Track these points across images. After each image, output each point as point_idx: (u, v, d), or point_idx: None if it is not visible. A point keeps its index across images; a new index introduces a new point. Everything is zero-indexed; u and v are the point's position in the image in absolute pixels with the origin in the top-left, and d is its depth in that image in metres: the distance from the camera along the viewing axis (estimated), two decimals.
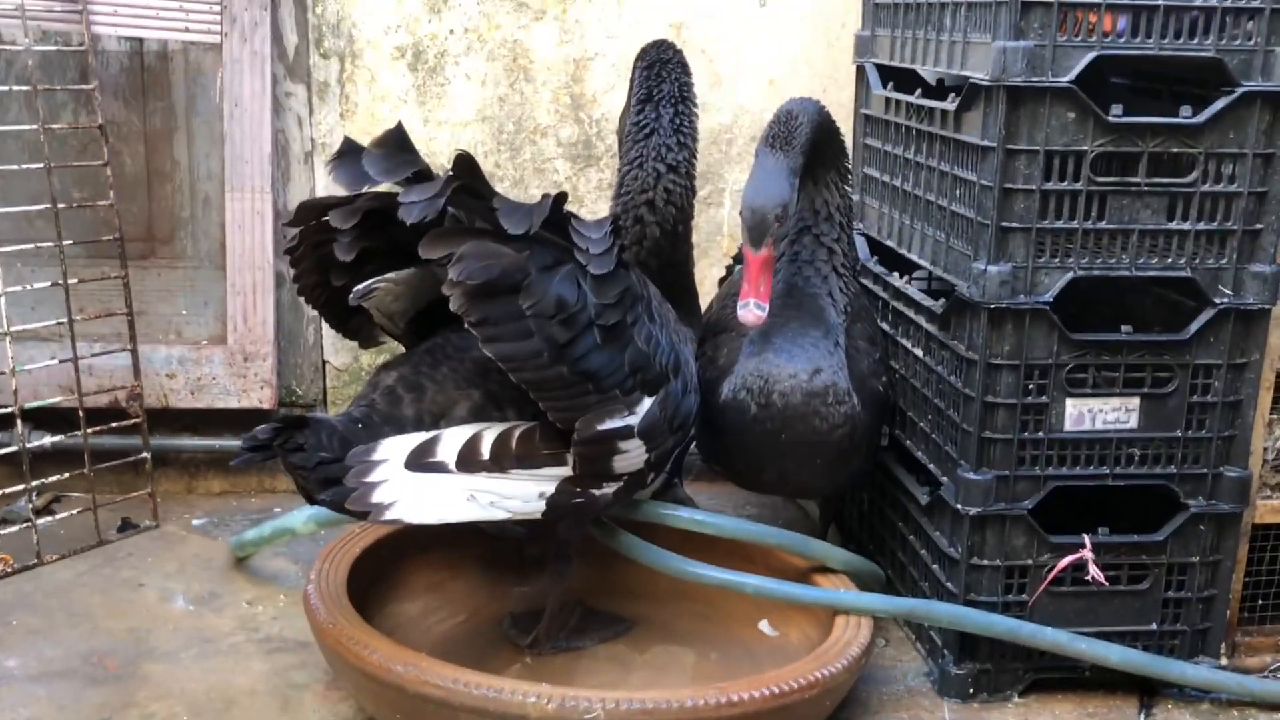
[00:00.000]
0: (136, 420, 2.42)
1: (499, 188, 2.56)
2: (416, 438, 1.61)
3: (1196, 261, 1.82)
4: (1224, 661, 1.98)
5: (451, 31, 2.55)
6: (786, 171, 1.86)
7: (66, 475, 2.32)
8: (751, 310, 1.84)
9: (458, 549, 2.10)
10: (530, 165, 2.62)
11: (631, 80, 2.16)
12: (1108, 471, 1.88)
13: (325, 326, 2.62)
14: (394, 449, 1.59)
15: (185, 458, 2.61)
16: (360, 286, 1.69)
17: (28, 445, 2.25)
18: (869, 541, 2.32)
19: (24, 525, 2.27)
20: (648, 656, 2.00)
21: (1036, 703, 1.92)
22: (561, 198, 1.59)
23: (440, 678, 1.55)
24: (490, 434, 1.63)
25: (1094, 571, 1.87)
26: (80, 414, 2.32)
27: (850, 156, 2.16)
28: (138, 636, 2.03)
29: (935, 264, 2.00)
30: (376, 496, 1.55)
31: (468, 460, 1.60)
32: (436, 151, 2.58)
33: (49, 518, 2.35)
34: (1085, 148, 1.75)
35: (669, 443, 1.79)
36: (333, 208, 1.64)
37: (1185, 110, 1.76)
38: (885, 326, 2.22)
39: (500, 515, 1.63)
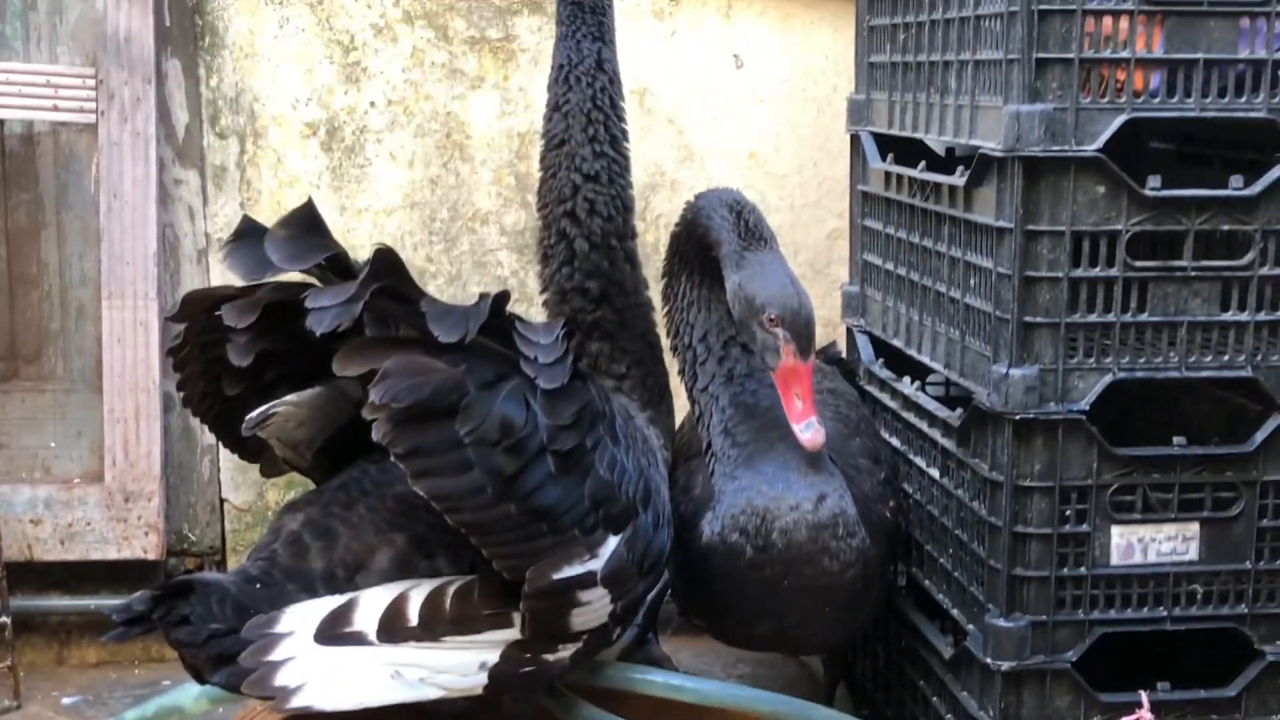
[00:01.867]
0: None
1: (432, 285, 2.61)
2: (328, 603, 1.60)
3: (1259, 358, 1.84)
4: None
5: (373, 104, 2.60)
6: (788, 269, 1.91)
7: None
8: (814, 432, 1.87)
9: None
10: (469, 258, 2.66)
11: None
12: (1165, 614, 1.89)
13: (224, 458, 2.63)
14: (301, 618, 1.57)
15: (54, 621, 2.62)
16: (254, 414, 1.68)
17: None
18: (886, 704, 2.32)
19: None
20: None
21: None
22: (503, 297, 1.59)
23: None
24: (419, 594, 1.62)
25: None
26: None
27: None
28: None
29: (950, 367, 2.02)
30: (281, 678, 1.53)
31: (391, 628, 1.59)
32: (356, 245, 2.61)
33: None
34: (1119, 226, 1.78)
35: (638, 589, 1.78)
36: (226, 300, 1.63)
37: (1236, 181, 1.79)
38: (895, 441, 2.23)
39: (433, 694, 1.61)
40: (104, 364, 2.50)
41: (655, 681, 1.90)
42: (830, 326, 2.71)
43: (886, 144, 2.31)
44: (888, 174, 2.26)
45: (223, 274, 2.59)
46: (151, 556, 2.54)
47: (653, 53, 2.64)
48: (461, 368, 1.52)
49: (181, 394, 1.82)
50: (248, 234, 1.64)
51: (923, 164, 2.13)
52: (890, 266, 2.28)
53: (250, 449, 1.89)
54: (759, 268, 1.93)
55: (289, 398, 1.70)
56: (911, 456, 2.18)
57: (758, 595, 1.95)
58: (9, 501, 2.46)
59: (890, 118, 2.28)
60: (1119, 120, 1.76)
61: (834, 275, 2.73)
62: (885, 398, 2.29)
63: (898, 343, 2.24)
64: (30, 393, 2.62)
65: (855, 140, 2.42)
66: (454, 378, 1.50)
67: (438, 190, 2.63)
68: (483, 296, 1.59)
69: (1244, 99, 1.79)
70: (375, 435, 1.48)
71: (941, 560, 2.07)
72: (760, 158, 2.69)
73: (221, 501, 2.67)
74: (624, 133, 2.13)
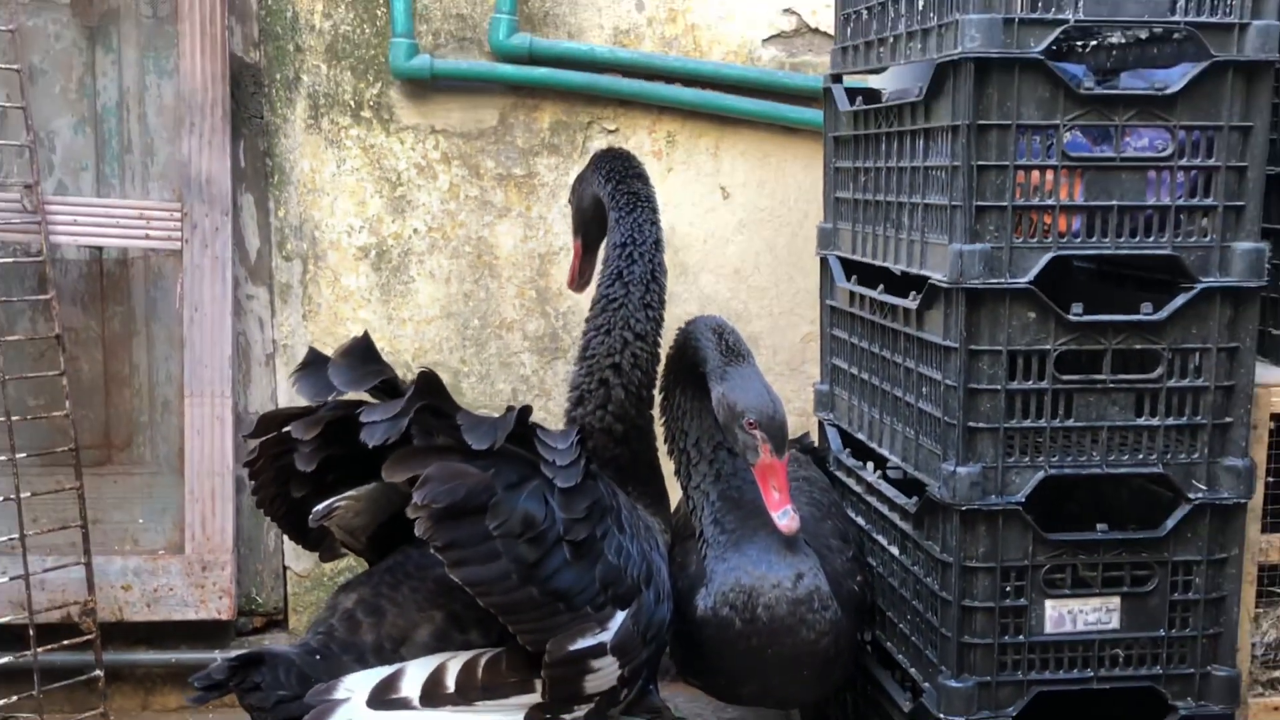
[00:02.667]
0: (90, 636, 2.39)
1: (465, 383, 2.63)
2: (379, 673, 1.60)
3: (1169, 457, 1.83)
4: None
5: (415, 231, 2.62)
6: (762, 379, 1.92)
7: (14, 698, 2.29)
8: (790, 519, 1.88)
9: None
10: (496, 359, 2.66)
11: (599, 196, 2.21)
12: (1091, 674, 1.87)
13: None
14: (356, 685, 1.58)
15: (140, 672, 2.60)
16: (320, 507, 1.70)
17: None
18: None
19: None
20: None
21: None
22: (526, 411, 1.61)
23: None
24: (455, 664, 1.62)
25: None
26: (30, 632, 2.30)
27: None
28: None
29: (906, 460, 2.02)
30: None
31: (432, 695, 1.59)
32: (401, 349, 2.62)
33: None
34: (1048, 346, 1.78)
35: (642, 655, 1.78)
36: (294, 419, 1.65)
37: (1146, 307, 1.80)
38: (861, 521, 2.23)
39: None
40: (185, 452, 2.51)
41: None
42: (805, 417, 2.71)
43: (851, 266, 2.31)
44: (851, 293, 2.27)
45: (286, 377, 2.63)
46: (225, 617, 2.54)
47: (654, 186, 2.65)
48: (490, 471, 1.53)
49: (255, 497, 1.81)
50: (313, 363, 1.66)
51: (881, 286, 2.12)
52: (854, 370, 2.27)
53: (312, 540, 1.90)
54: (739, 380, 1.94)
55: (350, 493, 1.71)
56: (875, 535, 2.16)
57: (745, 661, 1.94)
58: (104, 570, 2.45)
59: (854, 245, 2.28)
60: (1046, 257, 1.76)
61: (808, 373, 2.73)
62: (851, 483, 2.29)
63: (861, 437, 2.24)
64: (122, 476, 2.62)
65: (824, 262, 2.42)
66: (484, 481, 1.52)
67: (470, 303, 2.65)
68: (509, 409, 1.61)
69: (1151, 238, 1.79)
70: (417, 531, 1.50)
71: (901, 626, 2.05)
72: (743, 273, 2.70)
73: (284, 569, 2.66)
74: (664, 301, 2.17)
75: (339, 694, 1.57)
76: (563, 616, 1.61)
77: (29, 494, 2.31)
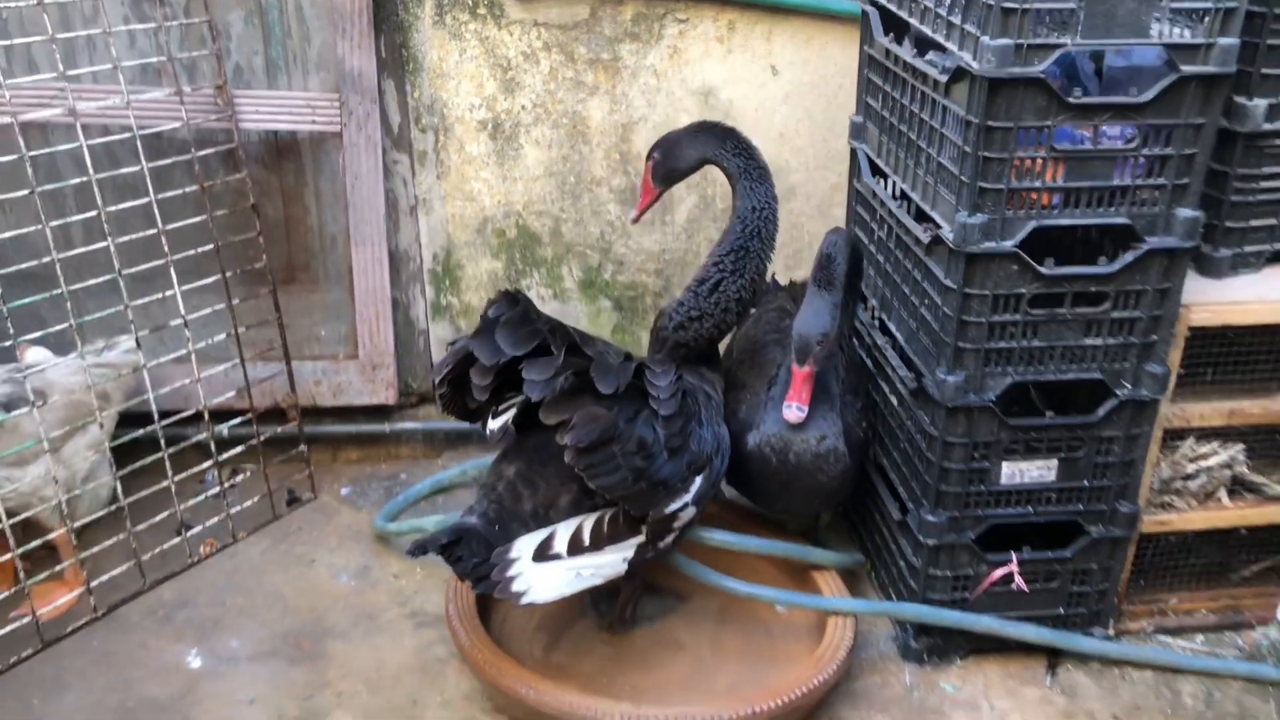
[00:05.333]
0: (294, 422, 2.72)
1: (564, 227, 2.80)
2: (538, 536, 1.87)
3: (1106, 365, 2.04)
4: (1111, 631, 2.29)
5: (523, 107, 2.70)
6: (829, 307, 2.10)
7: (245, 460, 2.63)
8: (794, 412, 2.11)
9: None
10: (589, 209, 2.81)
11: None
12: (1032, 510, 2.14)
13: (433, 338, 2.89)
14: (523, 548, 1.86)
15: (328, 437, 2.88)
16: (499, 426, 1.96)
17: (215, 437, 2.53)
18: (852, 537, 2.58)
19: (216, 511, 2.59)
20: (694, 636, 2.28)
21: (974, 665, 2.25)
22: (642, 366, 1.83)
23: (554, 699, 1.91)
24: (588, 524, 1.89)
25: (1018, 581, 2.18)
26: (253, 417, 2.60)
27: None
28: (319, 615, 2.38)
29: (910, 345, 2.22)
30: (515, 586, 1.83)
31: (575, 548, 1.88)
32: (514, 202, 2.77)
33: (234, 501, 2.65)
34: (1024, 291, 1.95)
35: (709, 495, 2.08)
36: (470, 364, 1.85)
37: (1103, 261, 1.96)
38: (882, 387, 2.37)
39: (597, 581, 1.91)
40: (355, 287, 2.71)
41: (716, 539, 2.19)
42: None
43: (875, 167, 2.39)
44: (873, 191, 2.40)
45: (427, 221, 2.80)
46: (390, 402, 2.82)
47: (716, 66, 2.70)
48: (615, 410, 1.76)
49: (441, 404, 2.00)
50: (485, 330, 1.82)
51: (898, 203, 2.27)
52: (876, 254, 2.42)
53: (472, 418, 2.05)
54: (809, 301, 2.14)
55: (514, 403, 1.95)
56: (887, 392, 2.35)
57: (776, 488, 2.21)
58: (299, 371, 2.72)
59: (877, 149, 2.36)
60: (1030, 226, 1.90)
61: (833, 215, 2.85)
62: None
63: (881, 316, 2.41)
64: (304, 291, 2.82)
65: (854, 153, 2.51)
66: (611, 419, 1.74)
67: (567, 164, 2.76)
68: (628, 360, 1.83)
69: (1113, 209, 1.93)
70: (566, 458, 1.74)
71: (896, 456, 2.30)
72: (786, 136, 2.78)
73: (432, 363, 2.93)
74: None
75: (513, 554, 1.85)
76: (658, 495, 1.87)
77: (238, 301, 2.51)
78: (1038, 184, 1.89)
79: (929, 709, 2.15)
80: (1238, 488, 2.28)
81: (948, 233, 1.96)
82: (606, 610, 2.31)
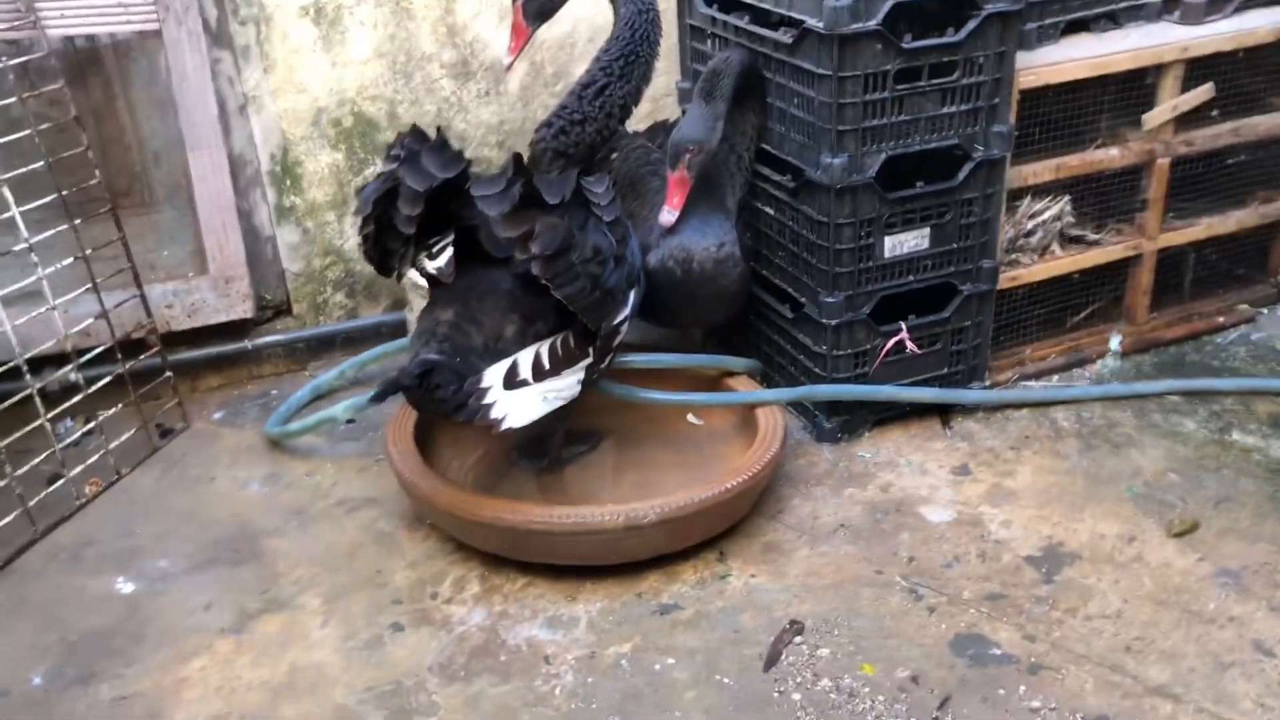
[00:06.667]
0: (156, 349, 2.56)
1: (399, 109, 2.76)
2: (503, 365, 1.87)
3: (961, 131, 2.25)
4: (987, 383, 2.56)
5: None
6: (708, 117, 2.18)
7: (112, 395, 2.44)
8: (665, 215, 2.22)
9: None
10: (422, 87, 2.77)
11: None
12: (913, 279, 2.34)
13: (281, 243, 2.78)
14: (493, 376, 1.86)
15: (188, 364, 2.72)
16: (442, 266, 1.95)
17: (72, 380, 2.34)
18: (740, 346, 2.69)
19: (84, 457, 2.41)
20: (627, 461, 2.36)
21: (880, 434, 2.44)
22: (580, 174, 1.87)
23: (543, 516, 1.94)
24: (544, 350, 1.91)
25: (909, 345, 2.38)
26: (115, 346, 2.43)
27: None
28: (243, 521, 2.28)
29: (784, 149, 2.35)
30: (494, 413, 1.84)
31: (539, 372, 1.89)
32: (346, 88, 2.69)
33: (106, 441, 2.48)
34: (889, 68, 2.12)
35: (636, 313, 2.14)
36: (389, 197, 1.84)
37: (950, 31, 2.16)
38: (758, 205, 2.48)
39: (559, 404, 1.94)
40: (196, 195, 2.55)
41: (638, 361, 2.30)
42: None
43: None
44: (713, 18, 2.51)
45: (259, 120, 2.67)
46: (249, 316, 2.69)
47: None
48: (566, 219, 1.80)
49: (364, 251, 1.98)
50: (409, 156, 1.81)
51: (747, 17, 2.38)
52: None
53: (386, 269, 2.02)
54: (689, 110, 2.22)
55: (447, 244, 1.94)
56: (763, 206, 2.46)
57: (682, 299, 2.31)
58: (150, 296, 2.55)
59: None
60: (888, 5, 2.05)
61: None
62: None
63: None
64: (132, 217, 2.64)
65: None
66: (567, 228, 1.77)
67: (395, 43, 2.69)
68: (567, 170, 1.86)
69: None
70: (534, 269, 1.75)
71: (780, 263, 2.43)
72: None
73: (283, 271, 2.80)
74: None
75: (484, 383, 1.85)
76: (610, 305, 1.92)
77: (77, 223, 2.32)
78: None
79: (855, 474, 2.33)
80: (1066, 240, 2.58)
81: (815, 23, 2.09)
82: (534, 457, 2.34)
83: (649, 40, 2.28)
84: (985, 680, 1.79)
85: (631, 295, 2.03)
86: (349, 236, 2.83)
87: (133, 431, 2.50)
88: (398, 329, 2.88)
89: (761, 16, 2.33)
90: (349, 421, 2.59)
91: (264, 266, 2.79)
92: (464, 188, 1.83)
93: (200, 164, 2.55)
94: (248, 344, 2.76)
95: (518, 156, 1.80)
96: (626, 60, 2.27)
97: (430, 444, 2.28)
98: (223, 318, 2.70)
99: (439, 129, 1.87)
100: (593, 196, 1.88)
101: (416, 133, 1.86)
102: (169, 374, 2.59)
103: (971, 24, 2.16)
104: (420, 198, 1.80)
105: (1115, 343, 2.67)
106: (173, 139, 2.56)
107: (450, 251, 1.94)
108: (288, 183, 2.74)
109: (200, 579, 2.12)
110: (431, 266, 1.95)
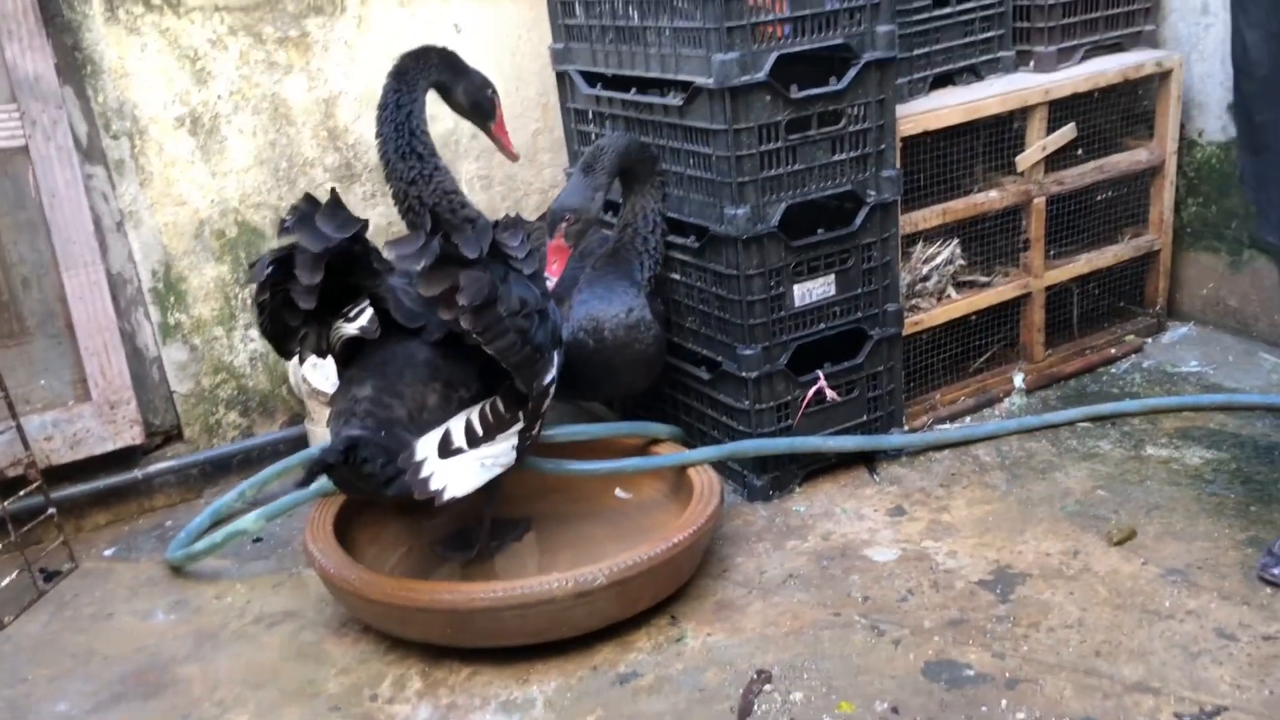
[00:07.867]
0: (37, 484, 2.37)
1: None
2: (435, 435, 1.78)
3: (854, 178, 2.31)
4: (905, 429, 2.58)
5: (219, 96, 2.58)
6: (586, 186, 2.19)
7: None
8: (549, 278, 2.19)
9: (375, 508, 2.29)
10: (306, 191, 2.71)
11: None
12: (825, 326, 2.35)
13: (167, 363, 2.64)
14: (426, 447, 1.76)
15: (73, 500, 2.54)
16: (363, 327, 1.84)
17: None
18: (659, 417, 2.63)
19: None
20: (559, 542, 2.27)
21: (811, 487, 2.42)
22: (495, 225, 1.82)
23: (486, 592, 1.82)
24: (475, 416, 1.83)
25: (829, 393, 2.38)
26: None
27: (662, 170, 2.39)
28: (150, 653, 2.09)
29: (684, 211, 2.35)
30: (433, 485, 1.73)
31: (472, 439, 1.80)
32: (229, 198, 2.62)
33: None
34: (780, 119, 2.18)
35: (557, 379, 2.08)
36: (282, 262, 1.72)
37: (834, 81, 2.23)
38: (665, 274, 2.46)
39: (497, 470, 1.85)
40: (74, 316, 2.41)
41: (565, 432, 2.24)
42: (542, 194, 2.99)
43: (592, 78, 2.54)
44: (598, 97, 2.54)
45: (138, 236, 2.56)
46: (138, 442, 2.54)
47: (403, 30, 2.73)
48: (488, 273, 1.73)
49: (260, 327, 1.86)
50: (304, 219, 1.71)
51: (633, 89, 2.43)
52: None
53: (288, 350, 1.92)
54: (569, 182, 2.23)
55: (365, 317, 1.85)
56: (672, 274, 2.45)
57: (600, 368, 2.27)
58: (26, 428, 2.37)
59: (593, 60, 2.52)
60: (774, 56, 2.11)
61: (541, 160, 2.98)
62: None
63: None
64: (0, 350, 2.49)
65: (562, 76, 2.66)
66: (490, 281, 1.71)
67: (276, 149, 2.66)
68: (484, 225, 1.82)
69: (832, 33, 2.19)
70: (464, 323, 1.67)
71: (692, 326, 2.42)
72: None
73: (171, 393, 2.67)
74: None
75: (418, 455, 1.75)
76: (539, 362, 1.84)
77: None
78: (771, 17, 2.12)
79: (794, 527, 2.28)
80: (959, 285, 2.65)
81: (706, 80, 2.14)
82: (461, 549, 2.23)
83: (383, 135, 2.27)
84: (966, 701, 1.73)
85: (555, 356, 1.98)
86: (239, 351, 2.71)
87: (13, 575, 2.29)
88: (297, 443, 2.75)
89: (645, 87, 2.37)
90: (256, 540, 2.43)
91: (150, 389, 2.64)
92: (365, 257, 1.76)
93: (77, 284, 2.42)
94: (137, 473, 2.59)
95: (434, 213, 1.74)
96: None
97: (351, 543, 2.14)
98: (109, 446, 2.52)
99: (333, 189, 1.81)
100: (509, 250, 1.83)
101: (308, 198, 1.79)
102: (52, 511, 2.39)
103: (852, 72, 2.23)
104: (319, 262, 1.68)
105: (1019, 380, 2.73)
106: (43, 261, 2.42)
107: (370, 311, 1.85)
108: (171, 299, 2.62)
109: (110, 716, 1.91)
110: (353, 328, 1.85)
